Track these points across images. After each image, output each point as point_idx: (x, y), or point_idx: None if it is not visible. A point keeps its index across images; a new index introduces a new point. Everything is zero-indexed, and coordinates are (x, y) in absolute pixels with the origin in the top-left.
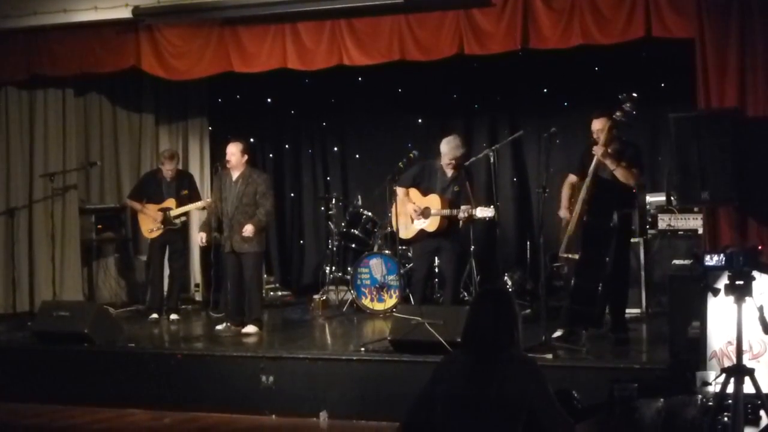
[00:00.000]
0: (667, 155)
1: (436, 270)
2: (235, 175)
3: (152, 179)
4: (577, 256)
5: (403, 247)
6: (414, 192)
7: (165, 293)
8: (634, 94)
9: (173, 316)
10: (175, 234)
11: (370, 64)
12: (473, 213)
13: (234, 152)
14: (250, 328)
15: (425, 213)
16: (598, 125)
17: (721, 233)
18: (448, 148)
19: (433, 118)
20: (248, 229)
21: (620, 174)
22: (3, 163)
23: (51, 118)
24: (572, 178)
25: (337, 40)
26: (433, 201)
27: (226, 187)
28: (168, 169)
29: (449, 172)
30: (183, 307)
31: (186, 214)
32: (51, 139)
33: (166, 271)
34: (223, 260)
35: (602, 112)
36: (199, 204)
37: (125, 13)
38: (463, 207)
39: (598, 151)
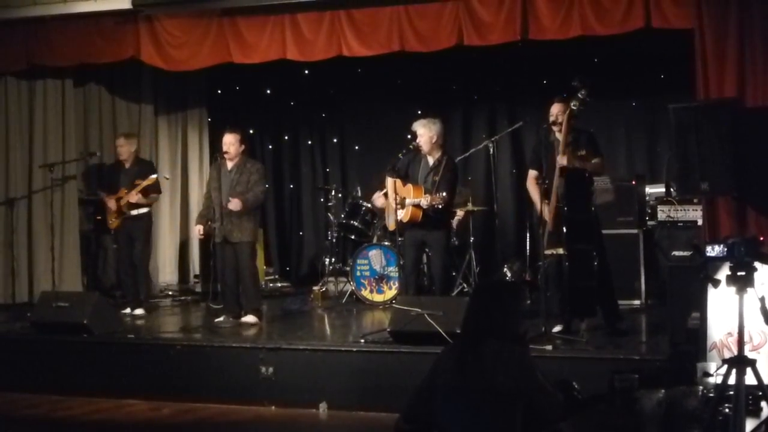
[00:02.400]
0: (666, 146)
1: (424, 265)
2: (231, 165)
3: (113, 168)
4: (561, 251)
5: (401, 239)
6: (398, 182)
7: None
8: (588, 81)
9: (138, 311)
10: (135, 223)
11: (369, 55)
12: (431, 201)
13: (232, 142)
14: (249, 318)
15: (402, 203)
16: (555, 109)
17: (721, 224)
18: (424, 129)
19: (433, 109)
20: (234, 203)
21: (590, 168)
22: (2, 153)
23: (50, 108)
24: (533, 173)
25: (336, 31)
26: (409, 191)
27: (220, 177)
28: (122, 152)
29: (431, 160)
30: (169, 297)
31: (145, 204)
32: (50, 129)
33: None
34: (216, 251)
35: (564, 97)
36: (144, 183)
37: (125, 4)
38: (425, 196)
39: (563, 161)
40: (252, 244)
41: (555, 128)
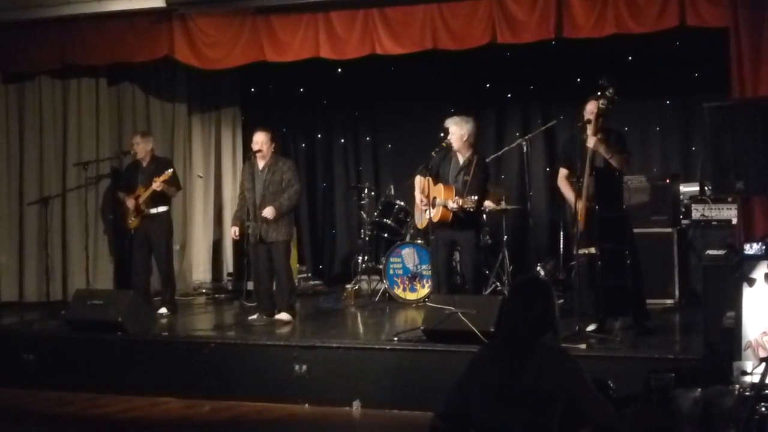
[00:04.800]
0: (700, 145)
1: (456, 263)
2: (262, 163)
3: (132, 168)
4: (593, 250)
5: (432, 237)
6: (430, 181)
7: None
8: (615, 79)
9: (162, 310)
10: (154, 223)
11: (402, 53)
12: (461, 204)
13: (264, 141)
14: (284, 316)
15: (433, 203)
16: (591, 107)
17: (756, 223)
18: (456, 127)
19: (466, 107)
20: (268, 211)
21: (615, 161)
22: (37, 152)
23: (84, 107)
24: (564, 171)
25: (369, 29)
26: (440, 190)
27: (253, 176)
28: (138, 150)
29: (461, 159)
30: (196, 295)
31: (164, 202)
32: (84, 128)
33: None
34: (250, 250)
35: (596, 96)
36: (163, 177)
37: (159, 3)
38: (455, 197)
39: (591, 142)
40: (287, 243)
41: (589, 126)
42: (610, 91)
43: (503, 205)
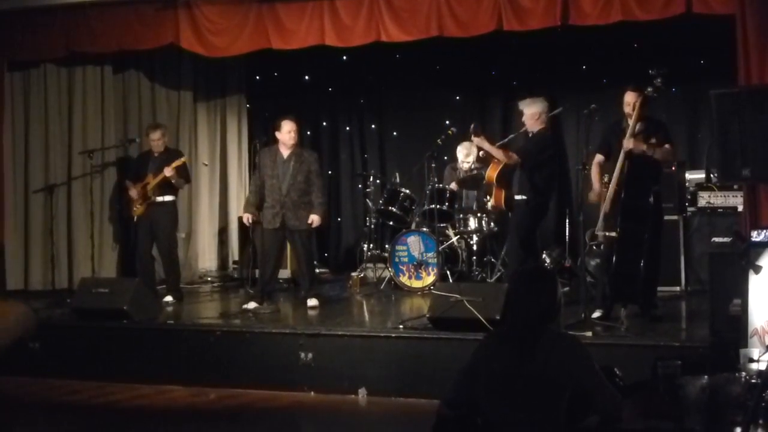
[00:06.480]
0: (707, 132)
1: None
2: (287, 153)
3: (143, 157)
4: (614, 234)
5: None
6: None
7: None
8: (664, 70)
9: (168, 298)
10: (160, 210)
11: (407, 40)
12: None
13: (296, 129)
14: (313, 301)
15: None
16: (631, 98)
17: (762, 210)
18: (526, 108)
19: (471, 95)
20: (317, 221)
21: (659, 156)
22: (42, 140)
23: (89, 95)
24: (599, 157)
25: (375, 16)
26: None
27: (276, 164)
28: (154, 142)
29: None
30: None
31: (171, 191)
32: (90, 116)
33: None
34: (265, 237)
35: (637, 85)
36: (175, 163)
37: None
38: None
39: (631, 144)
40: (310, 232)
41: (629, 116)
42: (659, 80)
43: None
